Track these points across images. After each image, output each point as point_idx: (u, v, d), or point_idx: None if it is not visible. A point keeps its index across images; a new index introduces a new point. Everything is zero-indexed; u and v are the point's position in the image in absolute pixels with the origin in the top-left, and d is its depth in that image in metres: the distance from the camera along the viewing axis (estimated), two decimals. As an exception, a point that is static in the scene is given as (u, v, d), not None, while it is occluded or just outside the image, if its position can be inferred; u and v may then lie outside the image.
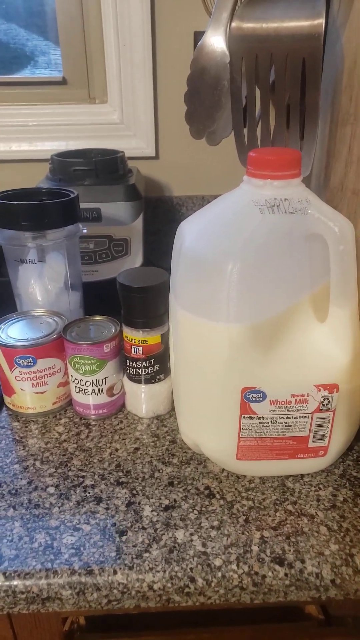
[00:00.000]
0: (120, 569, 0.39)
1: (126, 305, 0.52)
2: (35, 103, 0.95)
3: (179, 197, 1.00)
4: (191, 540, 0.42)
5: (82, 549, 0.41)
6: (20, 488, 0.47)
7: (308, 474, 0.48)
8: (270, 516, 0.44)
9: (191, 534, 0.42)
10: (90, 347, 0.52)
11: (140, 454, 0.51)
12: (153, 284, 0.50)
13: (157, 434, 0.54)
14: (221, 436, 0.45)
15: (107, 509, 0.45)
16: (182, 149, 0.98)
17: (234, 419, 0.43)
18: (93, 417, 0.56)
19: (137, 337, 0.52)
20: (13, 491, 0.47)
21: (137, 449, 0.52)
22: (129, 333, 0.53)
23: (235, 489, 0.46)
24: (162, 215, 1.00)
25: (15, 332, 0.55)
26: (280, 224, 0.40)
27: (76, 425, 0.55)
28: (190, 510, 0.44)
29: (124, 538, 0.42)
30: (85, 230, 0.61)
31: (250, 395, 0.42)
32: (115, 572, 0.39)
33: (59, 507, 0.45)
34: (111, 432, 0.54)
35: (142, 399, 0.55)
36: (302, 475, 0.48)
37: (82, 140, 0.95)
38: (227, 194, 0.45)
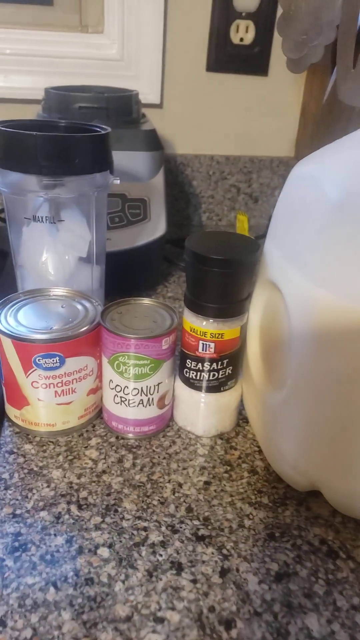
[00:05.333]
0: None
1: (199, 283, 0.37)
2: (11, 26, 0.76)
3: (183, 156, 0.84)
4: (333, 633, 0.29)
5: (177, 656, 0.27)
6: (57, 551, 0.32)
7: None
8: None
9: (329, 622, 0.29)
10: (144, 343, 0.37)
11: (215, 491, 0.37)
12: (243, 257, 0.36)
13: (228, 461, 0.40)
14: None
15: (193, 581, 0.31)
16: (191, 98, 0.82)
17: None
18: (132, 435, 0.41)
19: (209, 330, 0.38)
20: (47, 557, 0.31)
21: (207, 483, 0.38)
22: (197, 323, 0.38)
23: (362, 541, 0.34)
24: (163, 178, 0.84)
25: (29, 320, 0.39)
26: None
27: (114, 447, 0.40)
28: (314, 579, 0.31)
29: (233, 633, 0.28)
30: (118, 181, 0.45)
31: None
32: None
33: (123, 582, 0.30)
34: (165, 459, 0.40)
35: (202, 413, 0.41)
36: None
37: (68, 77, 0.77)
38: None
